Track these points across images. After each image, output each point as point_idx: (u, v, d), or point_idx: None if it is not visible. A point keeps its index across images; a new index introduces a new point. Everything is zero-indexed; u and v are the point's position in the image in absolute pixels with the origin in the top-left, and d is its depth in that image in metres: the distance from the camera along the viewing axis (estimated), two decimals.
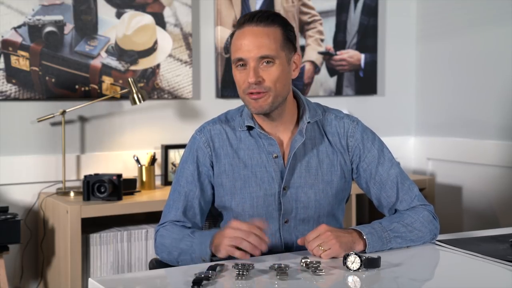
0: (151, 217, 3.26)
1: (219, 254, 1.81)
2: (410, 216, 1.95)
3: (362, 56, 4.01)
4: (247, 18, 1.93)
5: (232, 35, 1.98)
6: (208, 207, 2.05)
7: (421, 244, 1.95)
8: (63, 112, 3.17)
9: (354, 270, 1.69)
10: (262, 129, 2.00)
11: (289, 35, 1.96)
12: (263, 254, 1.95)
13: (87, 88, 3.31)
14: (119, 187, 3.05)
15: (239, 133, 2.02)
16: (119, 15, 3.38)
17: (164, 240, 1.97)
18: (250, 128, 2.01)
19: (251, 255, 1.76)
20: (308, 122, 2.01)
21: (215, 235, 1.84)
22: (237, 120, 2.04)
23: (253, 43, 1.90)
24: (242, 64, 1.92)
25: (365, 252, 1.84)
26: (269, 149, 1.99)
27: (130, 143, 3.44)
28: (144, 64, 3.44)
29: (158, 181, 3.45)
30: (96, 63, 3.33)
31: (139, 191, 3.26)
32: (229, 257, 1.83)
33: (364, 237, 1.85)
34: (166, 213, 2.02)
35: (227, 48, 3.62)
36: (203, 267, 1.70)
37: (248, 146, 2.00)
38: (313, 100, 2.12)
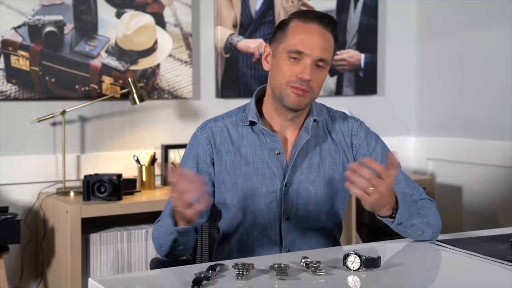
0: (151, 217, 3.25)
1: (190, 221, 1.81)
2: (425, 203, 2.00)
3: (362, 56, 4.01)
4: (317, 16, 1.95)
5: (287, 23, 1.96)
6: None
7: (429, 237, 1.95)
8: (63, 112, 3.17)
9: (354, 270, 1.69)
10: (265, 125, 2.01)
11: (335, 48, 2.00)
12: (264, 253, 1.96)
13: (87, 88, 3.31)
14: (119, 187, 3.05)
15: (241, 129, 2.03)
16: (119, 15, 3.38)
17: (154, 231, 1.99)
18: (252, 123, 2.02)
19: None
20: (315, 120, 2.03)
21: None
22: (239, 115, 2.05)
23: (319, 44, 1.92)
24: (296, 58, 1.92)
25: (394, 217, 1.84)
26: (272, 145, 2.00)
27: (130, 143, 3.44)
28: (144, 64, 3.44)
29: (158, 181, 3.44)
30: (96, 63, 3.33)
31: (139, 191, 3.26)
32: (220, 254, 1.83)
33: (398, 202, 1.85)
34: (164, 210, 2.03)
35: (227, 48, 3.62)
36: (203, 267, 1.70)
37: (251, 142, 2.01)
38: None
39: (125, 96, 3.37)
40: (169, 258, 1.98)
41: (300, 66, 1.91)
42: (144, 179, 3.32)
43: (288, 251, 2.00)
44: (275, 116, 2.01)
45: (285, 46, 1.94)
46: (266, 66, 2.01)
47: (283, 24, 1.98)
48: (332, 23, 1.96)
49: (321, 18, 1.94)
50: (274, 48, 1.98)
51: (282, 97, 1.95)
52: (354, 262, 1.69)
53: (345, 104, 3.95)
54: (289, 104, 1.94)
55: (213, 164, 2.02)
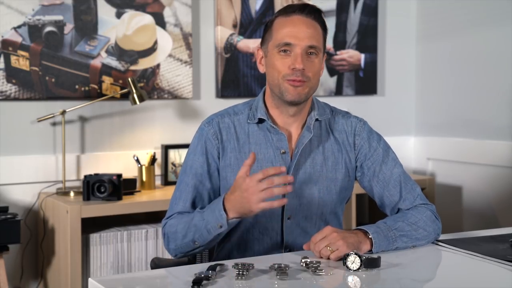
0: (151, 217, 3.26)
1: (251, 214, 1.81)
2: (413, 215, 1.95)
3: (362, 56, 4.01)
4: (298, 8, 1.97)
5: (271, 22, 1.99)
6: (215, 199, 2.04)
7: (426, 244, 1.94)
8: (63, 112, 3.17)
9: (354, 270, 1.69)
10: (274, 123, 2.01)
11: (325, 35, 2.01)
12: (265, 252, 1.95)
13: (87, 88, 3.31)
14: (119, 187, 3.05)
15: (247, 126, 2.02)
16: (119, 15, 3.38)
17: (175, 228, 1.95)
18: (260, 121, 2.02)
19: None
20: (317, 120, 2.03)
21: (226, 198, 1.84)
22: (245, 113, 2.04)
23: (304, 32, 1.94)
24: (285, 50, 1.94)
25: (372, 252, 1.84)
26: (278, 144, 2.00)
27: (130, 143, 3.44)
28: (144, 64, 3.44)
29: (158, 181, 3.45)
30: (96, 63, 3.33)
31: (139, 191, 3.26)
32: (229, 256, 1.83)
33: (370, 237, 1.84)
34: (173, 205, 2.01)
35: (227, 48, 3.62)
36: (203, 267, 1.71)
37: (256, 140, 2.01)
38: None
39: (125, 96, 3.37)
40: (181, 257, 1.98)
41: (291, 58, 1.93)
42: (144, 179, 3.32)
43: (289, 250, 2.00)
44: (277, 113, 2.02)
45: (273, 43, 1.96)
46: (261, 69, 2.04)
47: (269, 24, 2.01)
48: (314, 11, 1.97)
49: (302, 8, 1.97)
50: (265, 49, 2.01)
51: (281, 92, 1.96)
52: (354, 262, 1.69)
53: (345, 104, 3.95)
54: (289, 98, 1.95)
55: (219, 159, 2.02)
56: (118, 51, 3.37)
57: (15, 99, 3.19)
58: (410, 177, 2.07)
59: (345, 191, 2.06)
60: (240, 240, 2.01)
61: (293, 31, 1.93)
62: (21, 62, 3.18)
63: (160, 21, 3.47)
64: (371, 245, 1.84)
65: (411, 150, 4.18)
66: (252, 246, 2.00)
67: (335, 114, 2.10)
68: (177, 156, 3.45)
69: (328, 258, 1.77)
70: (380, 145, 2.07)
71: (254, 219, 1.99)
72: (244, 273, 1.62)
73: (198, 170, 2.00)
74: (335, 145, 2.05)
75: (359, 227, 1.88)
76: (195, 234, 1.90)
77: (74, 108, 3.23)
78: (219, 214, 1.84)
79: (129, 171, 3.39)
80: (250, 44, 3.66)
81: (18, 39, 3.17)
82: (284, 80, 1.94)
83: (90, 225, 3.10)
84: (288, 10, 1.98)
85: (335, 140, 2.05)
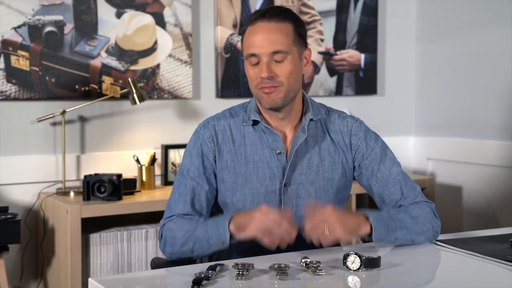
0: (151, 217, 3.25)
1: (243, 234, 1.81)
2: (415, 209, 1.97)
3: (362, 56, 4.01)
4: (260, 14, 1.96)
5: (244, 32, 2.00)
6: (213, 200, 2.05)
7: (424, 241, 1.95)
8: (63, 112, 3.17)
9: (354, 270, 1.69)
10: (268, 124, 2.01)
11: (300, 31, 1.99)
12: (264, 253, 1.95)
13: (87, 88, 3.31)
14: (119, 187, 3.05)
15: (243, 128, 2.03)
16: (119, 15, 3.38)
17: (174, 233, 1.95)
18: (255, 123, 2.02)
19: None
20: (311, 120, 2.03)
21: (234, 216, 1.85)
22: (241, 115, 2.05)
23: (266, 39, 1.93)
24: (254, 60, 1.95)
25: (371, 236, 1.85)
26: (273, 145, 2.00)
27: (130, 143, 3.44)
28: (144, 64, 3.44)
29: (158, 181, 3.45)
30: (96, 63, 3.33)
31: (139, 191, 3.26)
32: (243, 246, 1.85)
33: (371, 222, 1.85)
34: (172, 206, 2.01)
35: (227, 48, 3.62)
36: (203, 267, 1.71)
37: (252, 142, 2.02)
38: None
39: (125, 96, 3.37)
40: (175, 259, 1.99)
41: (259, 67, 1.94)
42: (144, 179, 3.32)
43: (288, 251, 1.99)
44: (269, 116, 2.03)
45: (244, 54, 1.99)
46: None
47: (242, 34, 2.02)
48: (276, 14, 1.95)
49: (263, 13, 1.96)
50: (243, 59, 2.03)
51: (259, 100, 1.98)
52: (354, 262, 1.69)
53: (345, 104, 3.95)
54: (266, 105, 1.97)
55: (215, 162, 2.02)
56: (118, 51, 3.37)
57: (15, 99, 3.19)
58: (409, 176, 2.08)
59: (342, 191, 2.06)
60: (238, 241, 2.01)
61: (256, 40, 1.94)
62: (21, 62, 3.18)
63: (160, 21, 3.47)
64: (371, 229, 1.85)
65: (411, 150, 4.18)
66: (251, 247, 1.99)
67: (331, 114, 2.09)
68: (177, 156, 3.45)
69: (321, 246, 1.79)
70: (378, 144, 2.07)
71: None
72: (244, 273, 1.63)
73: (195, 173, 2.01)
74: (331, 145, 2.05)
75: (361, 210, 1.90)
76: (195, 244, 1.91)
77: (74, 108, 3.23)
78: (223, 232, 1.85)
79: (129, 171, 3.39)
80: None
81: (18, 39, 3.17)
82: (257, 89, 1.96)
83: (90, 225, 3.10)
84: (252, 18, 1.98)
85: (331, 140, 2.05)
